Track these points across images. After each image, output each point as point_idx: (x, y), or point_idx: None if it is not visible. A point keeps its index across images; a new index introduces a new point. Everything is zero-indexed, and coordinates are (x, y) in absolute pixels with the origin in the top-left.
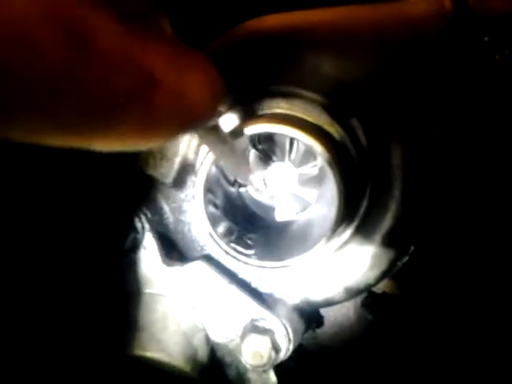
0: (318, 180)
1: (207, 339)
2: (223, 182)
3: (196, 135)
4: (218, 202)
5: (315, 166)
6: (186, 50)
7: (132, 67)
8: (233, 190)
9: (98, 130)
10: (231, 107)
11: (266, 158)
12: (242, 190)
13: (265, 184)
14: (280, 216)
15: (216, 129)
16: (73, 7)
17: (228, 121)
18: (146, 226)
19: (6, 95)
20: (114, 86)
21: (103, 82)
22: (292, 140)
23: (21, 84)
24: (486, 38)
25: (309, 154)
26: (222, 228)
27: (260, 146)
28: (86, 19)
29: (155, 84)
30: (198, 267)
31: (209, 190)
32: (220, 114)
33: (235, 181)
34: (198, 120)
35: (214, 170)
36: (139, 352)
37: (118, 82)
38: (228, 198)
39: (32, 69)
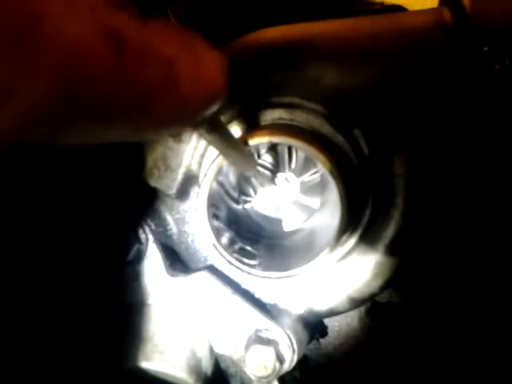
0: (320, 187)
1: (211, 350)
2: (226, 195)
3: (201, 135)
4: (222, 212)
5: (316, 172)
6: (192, 34)
7: (156, 56)
8: (237, 204)
9: (141, 121)
10: (234, 119)
11: (268, 169)
12: (247, 206)
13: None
14: (288, 226)
15: (221, 125)
16: (108, 15)
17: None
18: (150, 237)
19: (72, 109)
20: (148, 76)
21: (140, 75)
22: (290, 149)
23: (82, 94)
24: (485, 48)
25: (309, 162)
26: (225, 239)
27: (262, 158)
28: (118, 23)
29: (174, 65)
30: (201, 278)
31: (212, 200)
32: (224, 103)
33: (239, 197)
34: (218, 96)
35: (217, 181)
36: (143, 363)
37: (149, 72)
38: (231, 209)
39: (93, 79)
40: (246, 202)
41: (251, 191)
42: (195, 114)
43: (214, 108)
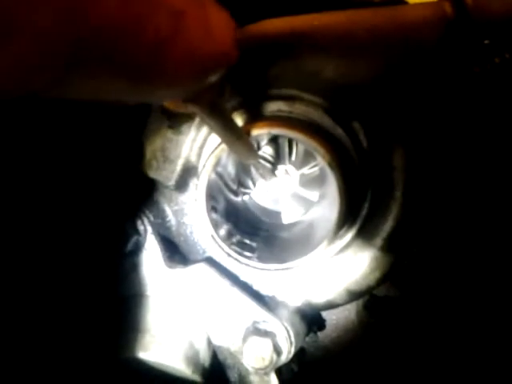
0: (319, 180)
1: (209, 342)
2: (225, 186)
3: (203, 119)
4: (220, 205)
5: (316, 165)
6: None
7: (164, 7)
8: (236, 196)
9: (151, 73)
10: (234, 110)
11: (268, 161)
12: (245, 197)
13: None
14: (286, 218)
15: (222, 109)
16: None
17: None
18: (149, 228)
19: (78, 50)
20: (157, 25)
21: (149, 23)
22: (291, 142)
23: (89, 35)
24: (485, 42)
25: (309, 155)
26: (223, 231)
27: (262, 150)
28: None
29: (183, 17)
30: (200, 269)
31: (211, 192)
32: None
33: (238, 188)
34: (227, 53)
35: (216, 173)
36: (141, 354)
37: (158, 21)
38: (230, 201)
39: (100, 19)
40: (244, 193)
41: (250, 183)
42: (205, 70)
43: (223, 68)
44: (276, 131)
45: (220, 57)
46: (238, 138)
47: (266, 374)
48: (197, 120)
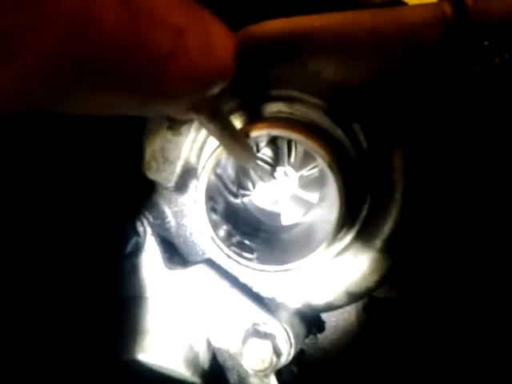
0: (319, 182)
1: (209, 343)
2: (224, 188)
3: (202, 123)
4: (220, 206)
5: (315, 167)
6: (201, 7)
7: (164, 23)
8: (235, 198)
9: (150, 90)
10: (234, 112)
11: (267, 163)
12: (245, 199)
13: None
14: (285, 220)
15: (222, 114)
16: None
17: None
18: (148, 229)
19: (79, 67)
20: (157, 42)
21: (149, 40)
22: (290, 143)
23: (90, 51)
24: (485, 43)
25: (308, 157)
26: (223, 232)
27: (261, 152)
28: None
29: (183, 34)
30: (199, 271)
31: (210, 193)
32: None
33: (238, 190)
34: (227, 69)
35: (215, 174)
36: (140, 356)
37: (158, 38)
38: (229, 202)
39: (101, 36)
40: (244, 195)
41: (249, 185)
42: (204, 86)
43: (223, 83)
44: (276, 132)
45: (221, 72)
46: (236, 141)
47: (266, 375)
48: (196, 121)
